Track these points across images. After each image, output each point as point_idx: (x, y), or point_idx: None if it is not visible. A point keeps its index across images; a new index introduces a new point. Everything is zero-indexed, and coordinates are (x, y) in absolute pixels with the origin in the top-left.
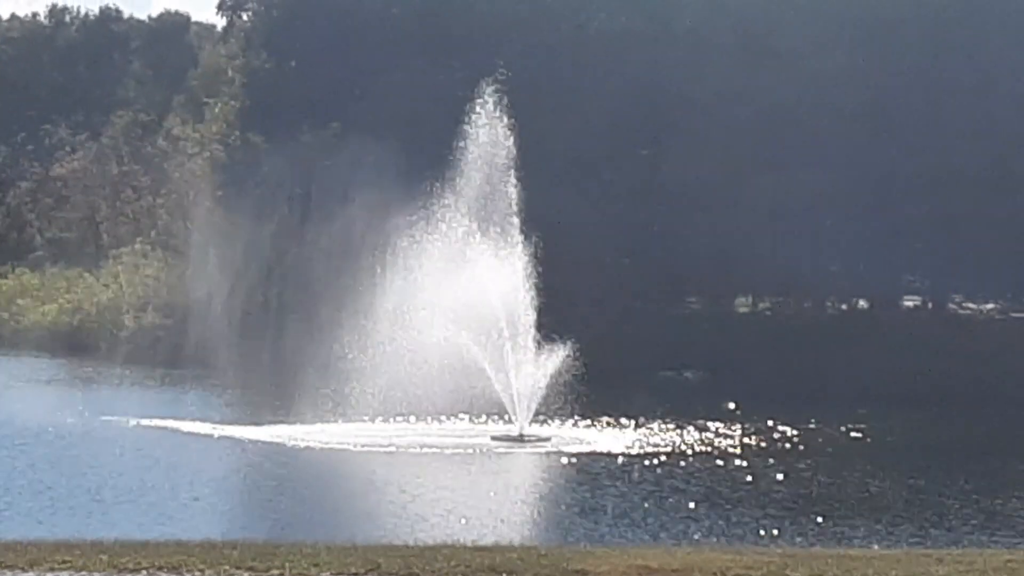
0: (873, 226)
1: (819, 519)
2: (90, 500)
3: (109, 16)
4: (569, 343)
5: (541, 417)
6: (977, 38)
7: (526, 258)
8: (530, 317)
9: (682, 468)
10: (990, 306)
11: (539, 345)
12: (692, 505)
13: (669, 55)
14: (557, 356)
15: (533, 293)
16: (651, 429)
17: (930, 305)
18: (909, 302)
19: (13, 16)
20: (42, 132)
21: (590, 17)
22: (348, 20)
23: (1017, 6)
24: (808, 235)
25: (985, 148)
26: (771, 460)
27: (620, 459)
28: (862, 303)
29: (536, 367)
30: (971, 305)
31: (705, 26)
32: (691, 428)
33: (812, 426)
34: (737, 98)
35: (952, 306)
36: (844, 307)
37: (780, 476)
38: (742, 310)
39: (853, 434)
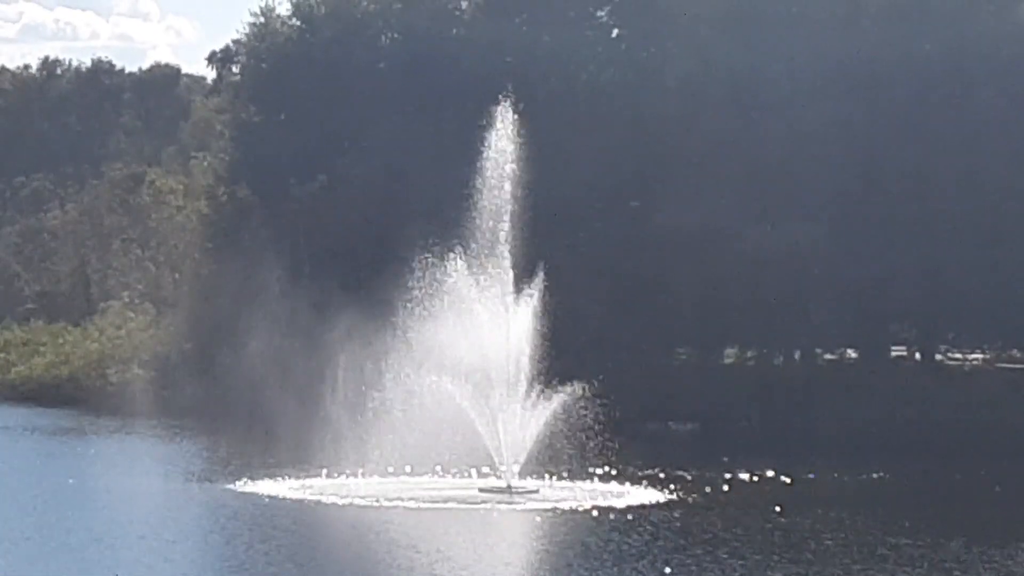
0: (861, 276)
1: (812, 570)
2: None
3: (101, 68)
4: (559, 395)
5: (530, 468)
6: (965, 91)
7: (520, 308)
8: (522, 368)
9: (670, 520)
10: (976, 356)
11: (528, 396)
12: (680, 557)
13: (659, 106)
14: (546, 408)
15: (527, 344)
16: (639, 481)
17: (917, 355)
18: (896, 352)
19: (4, 69)
20: (33, 184)
21: (580, 69)
22: (336, 73)
23: (1003, 60)
24: (796, 285)
25: (972, 199)
26: (761, 512)
27: (608, 512)
28: (851, 353)
29: (525, 419)
30: (957, 355)
31: (695, 78)
32: (679, 480)
33: (801, 477)
34: (726, 149)
35: (939, 356)
36: (832, 357)
37: (770, 528)
38: (728, 361)
39: (843, 485)
